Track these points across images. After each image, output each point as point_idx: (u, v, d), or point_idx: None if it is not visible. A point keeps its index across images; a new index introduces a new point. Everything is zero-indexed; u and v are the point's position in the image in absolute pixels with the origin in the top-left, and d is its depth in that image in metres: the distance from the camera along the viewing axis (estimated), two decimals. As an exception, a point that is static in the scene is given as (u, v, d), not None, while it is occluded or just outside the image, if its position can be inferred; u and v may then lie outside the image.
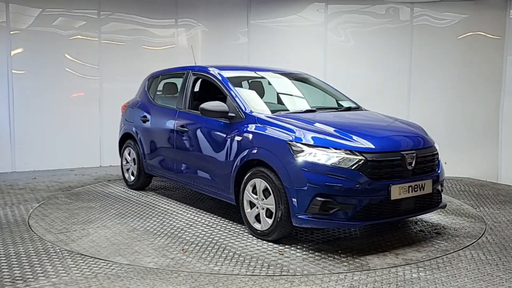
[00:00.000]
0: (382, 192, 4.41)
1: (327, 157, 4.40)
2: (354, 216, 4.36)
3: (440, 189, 4.98)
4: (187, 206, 6.20)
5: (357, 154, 4.41)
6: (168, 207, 6.14)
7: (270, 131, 4.83)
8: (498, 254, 4.54)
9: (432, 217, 5.72)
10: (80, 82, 8.80)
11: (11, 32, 8.27)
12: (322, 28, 8.90)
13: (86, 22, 8.82)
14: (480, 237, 5.02)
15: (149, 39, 9.30)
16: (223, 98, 5.51)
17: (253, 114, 5.12)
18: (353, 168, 4.36)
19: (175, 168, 6.17)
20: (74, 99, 8.76)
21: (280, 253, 4.51)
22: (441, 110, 8.38)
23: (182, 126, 5.97)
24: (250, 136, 4.98)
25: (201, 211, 5.95)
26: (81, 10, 8.76)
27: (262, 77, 6.27)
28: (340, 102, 6.01)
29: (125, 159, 7.25)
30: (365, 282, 3.86)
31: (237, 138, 5.10)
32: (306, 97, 5.99)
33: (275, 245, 4.70)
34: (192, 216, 5.71)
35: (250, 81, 6.24)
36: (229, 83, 5.57)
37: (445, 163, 8.32)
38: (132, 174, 7.08)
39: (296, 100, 6.00)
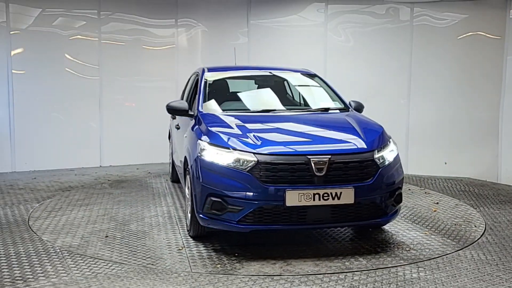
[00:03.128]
0: (277, 197, 4.17)
1: (223, 157, 4.34)
2: (244, 220, 4.22)
3: (380, 202, 4.43)
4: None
5: (251, 155, 4.26)
6: (169, 200, 6.43)
7: (196, 129, 4.89)
8: (498, 254, 4.54)
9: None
10: (80, 82, 8.80)
11: (11, 32, 8.27)
12: (322, 28, 8.91)
13: (86, 22, 8.82)
14: (480, 237, 5.02)
15: (149, 39, 9.30)
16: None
17: (201, 112, 5.21)
18: (245, 170, 4.23)
19: (176, 164, 6.36)
20: (74, 99, 8.75)
21: (179, 249, 4.58)
22: (441, 110, 8.38)
23: (177, 124, 6.25)
24: (189, 133, 5.10)
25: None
26: (81, 10, 8.77)
27: (250, 77, 6.32)
28: (323, 102, 5.78)
29: (169, 154, 7.73)
30: (365, 282, 3.86)
31: (185, 134, 5.27)
32: (283, 97, 5.93)
33: (191, 242, 4.78)
34: (170, 209, 5.99)
35: (234, 81, 6.26)
36: (202, 83, 5.69)
37: (445, 163, 8.38)
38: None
39: (267, 100, 5.83)
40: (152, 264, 4.20)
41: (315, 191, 4.20)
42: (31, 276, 3.91)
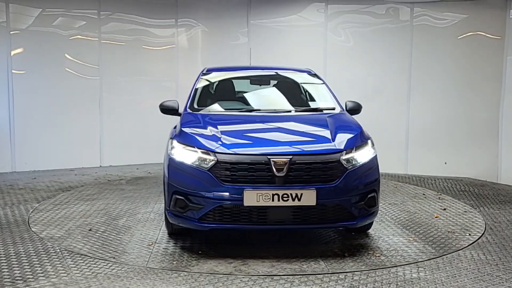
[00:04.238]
0: (236, 196, 4.19)
1: (188, 156, 4.42)
2: (204, 218, 4.28)
3: (347, 205, 4.34)
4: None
5: (211, 154, 4.31)
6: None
7: (174, 128, 4.99)
8: (498, 254, 4.54)
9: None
10: (80, 82, 8.80)
11: (11, 32, 8.27)
12: (322, 28, 8.90)
13: (86, 22, 8.82)
14: (480, 237, 5.02)
15: (149, 39, 9.30)
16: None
17: (186, 112, 5.33)
18: (205, 169, 4.28)
19: None
20: (74, 98, 8.75)
21: (149, 244, 4.72)
22: (441, 110, 8.38)
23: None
24: (170, 132, 5.17)
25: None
26: (81, 10, 8.76)
27: (246, 78, 6.32)
28: (313, 102, 5.74)
29: None
30: (365, 282, 3.86)
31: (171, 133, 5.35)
32: (274, 97, 5.91)
33: (165, 238, 4.91)
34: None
35: (229, 81, 6.26)
36: (195, 83, 5.81)
37: (445, 163, 8.38)
38: None
39: (255, 100, 5.81)
40: (113, 258, 4.35)
41: (274, 192, 4.18)
42: (31, 276, 3.91)
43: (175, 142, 4.61)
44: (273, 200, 4.18)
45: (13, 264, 4.17)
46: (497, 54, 7.90)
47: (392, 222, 5.54)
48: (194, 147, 4.44)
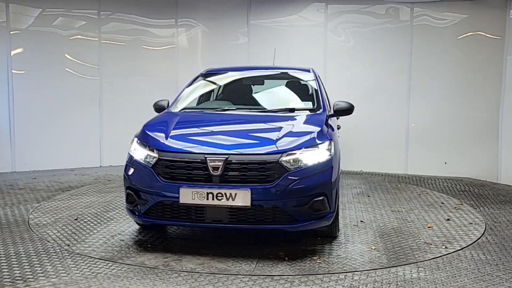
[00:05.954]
0: (173, 194, 4.29)
1: (139, 153, 4.59)
2: (148, 213, 4.43)
3: (287, 207, 4.23)
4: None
5: (155, 152, 4.46)
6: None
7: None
8: (498, 254, 4.54)
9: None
10: (80, 82, 8.81)
11: (11, 32, 8.27)
12: (322, 28, 8.91)
13: (86, 22, 8.83)
14: (480, 237, 5.02)
15: (149, 39, 9.31)
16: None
17: (166, 110, 5.55)
18: (149, 165, 4.43)
19: None
20: (74, 99, 8.75)
21: (112, 236, 4.94)
22: (441, 110, 8.39)
23: None
24: None
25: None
26: (81, 10, 8.77)
27: (240, 78, 6.32)
28: (293, 102, 5.61)
29: None
30: (365, 282, 3.86)
31: None
32: (253, 98, 5.91)
33: (133, 231, 5.12)
34: None
35: (222, 82, 6.34)
36: (189, 83, 5.96)
37: (445, 163, 8.38)
38: None
39: (237, 100, 5.74)
40: (68, 245, 4.61)
41: (209, 190, 4.21)
42: (31, 276, 3.91)
43: (135, 139, 4.78)
44: (207, 198, 4.22)
45: (13, 264, 4.17)
46: (497, 54, 7.91)
47: (373, 229, 5.25)
48: (145, 145, 4.58)
